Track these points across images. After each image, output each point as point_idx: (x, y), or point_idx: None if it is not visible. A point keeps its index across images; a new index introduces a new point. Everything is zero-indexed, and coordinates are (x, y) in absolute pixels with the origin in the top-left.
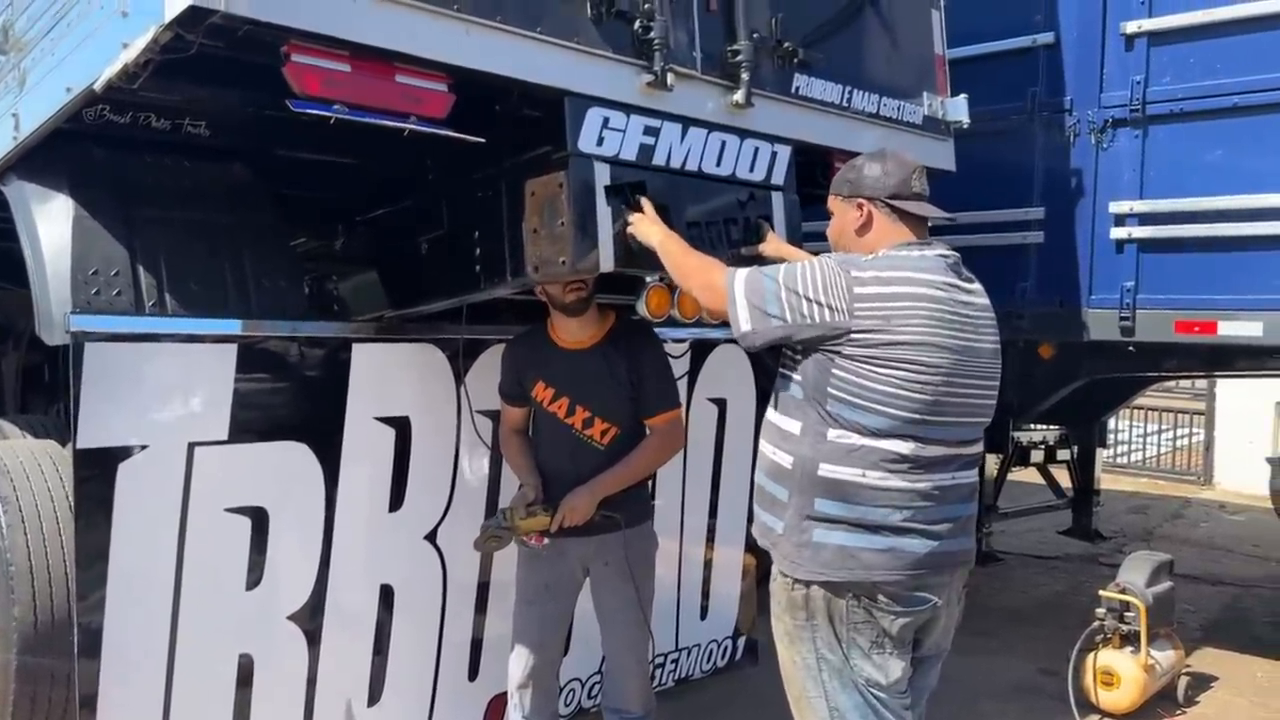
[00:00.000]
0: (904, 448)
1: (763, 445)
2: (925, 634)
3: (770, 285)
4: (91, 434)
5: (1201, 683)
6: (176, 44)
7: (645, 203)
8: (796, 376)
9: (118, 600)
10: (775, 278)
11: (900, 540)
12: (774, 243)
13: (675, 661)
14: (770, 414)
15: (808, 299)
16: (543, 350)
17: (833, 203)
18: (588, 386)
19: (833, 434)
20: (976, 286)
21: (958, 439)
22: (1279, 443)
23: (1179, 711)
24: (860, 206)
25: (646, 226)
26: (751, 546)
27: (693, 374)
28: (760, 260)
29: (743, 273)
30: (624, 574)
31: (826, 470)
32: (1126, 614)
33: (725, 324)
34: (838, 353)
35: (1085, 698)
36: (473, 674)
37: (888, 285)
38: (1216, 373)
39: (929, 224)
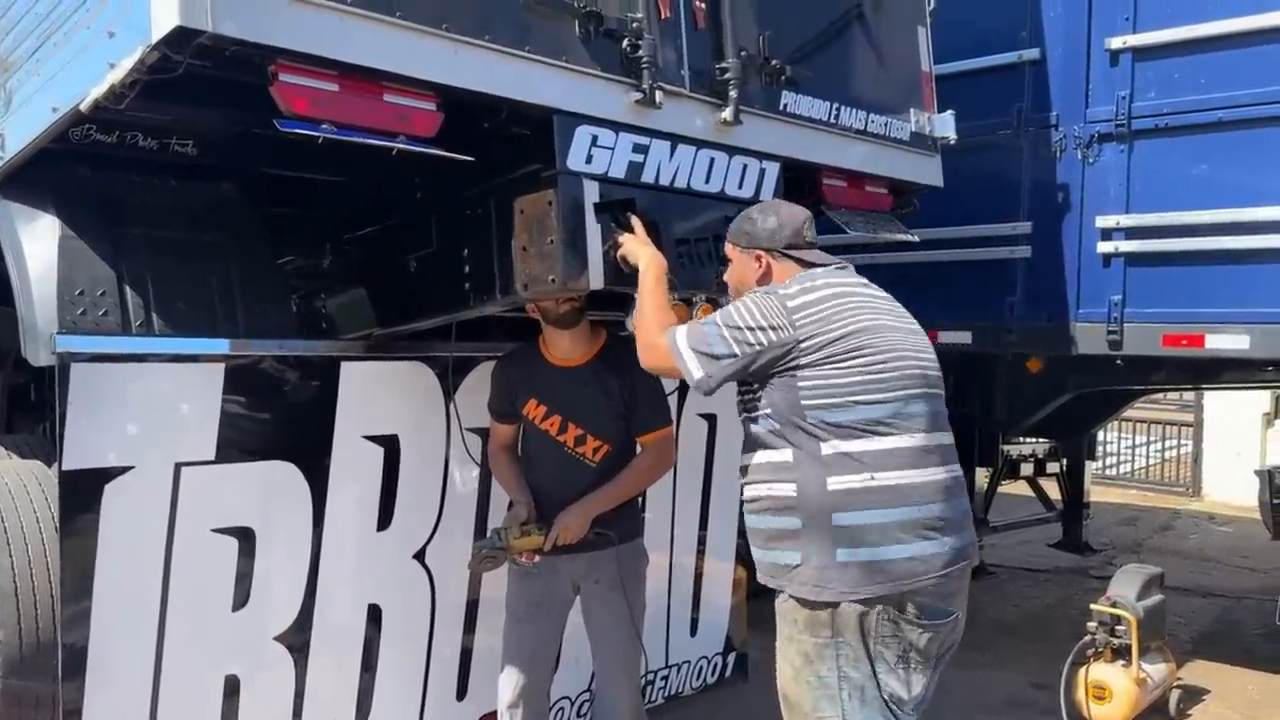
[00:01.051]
0: (890, 443)
1: (753, 489)
2: (948, 647)
3: (711, 329)
4: (77, 455)
5: (1193, 696)
6: (163, 64)
7: (636, 222)
8: (764, 411)
9: (103, 621)
10: (714, 321)
11: (918, 545)
12: None
13: (665, 678)
14: (747, 457)
15: (750, 329)
16: (535, 368)
17: (731, 251)
18: (580, 404)
19: (826, 448)
20: (879, 290)
21: (929, 419)
22: (1266, 454)
23: None
24: (759, 259)
25: (636, 247)
26: (742, 560)
27: (682, 390)
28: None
29: (681, 328)
30: (616, 591)
31: (835, 483)
32: (1118, 627)
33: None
34: (796, 368)
35: (1077, 711)
36: (461, 693)
37: (813, 293)
38: (1204, 385)
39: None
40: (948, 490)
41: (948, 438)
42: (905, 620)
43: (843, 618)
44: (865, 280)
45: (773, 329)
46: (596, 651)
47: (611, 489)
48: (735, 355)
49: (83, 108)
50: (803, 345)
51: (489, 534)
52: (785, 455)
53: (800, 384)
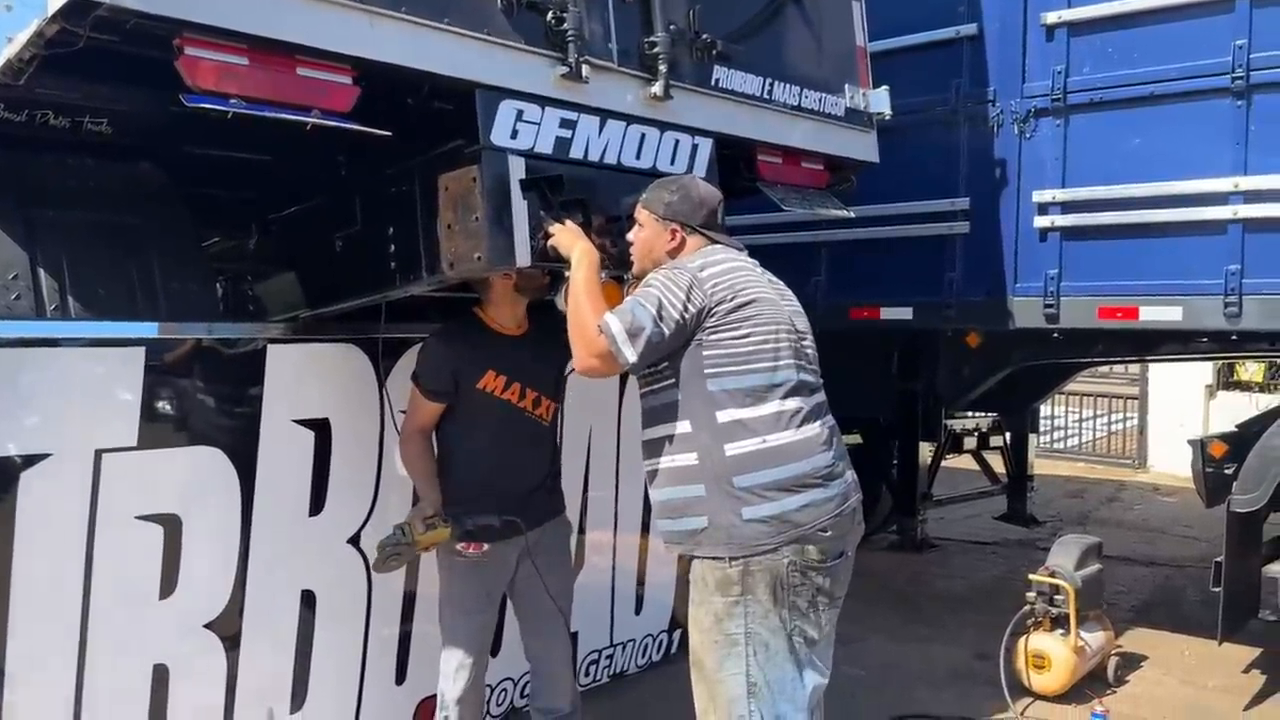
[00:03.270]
0: (788, 404)
1: (656, 463)
2: (839, 585)
3: (637, 310)
4: None
5: (1132, 663)
6: (64, 38)
7: (569, 223)
8: (668, 382)
9: (22, 614)
10: (640, 303)
11: (812, 493)
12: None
13: (610, 657)
14: (649, 432)
15: (673, 305)
16: (486, 340)
17: (644, 217)
18: (533, 368)
19: (721, 415)
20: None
21: (809, 386)
22: (1209, 425)
23: (1109, 691)
24: (674, 232)
25: (568, 239)
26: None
27: None
28: None
29: (610, 318)
30: (549, 568)
31: (732, 449)
32: (1056, 597)
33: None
34: (703, 332)
35: (1018, 681)
36: (400, 677)
37: (719, 264)
38: (1144, 357)
39: None
40: (826, 442)
41: (822, 396)
42: (810, 567)
43: (753, 575)
44: (755, 260)
45: (690, 300)
46: (532, 632)
47: None
48: (663, 333)
49: None
50: (714, 310)
51: (392, 531)
52: (685, 427)
53: (705, 351)
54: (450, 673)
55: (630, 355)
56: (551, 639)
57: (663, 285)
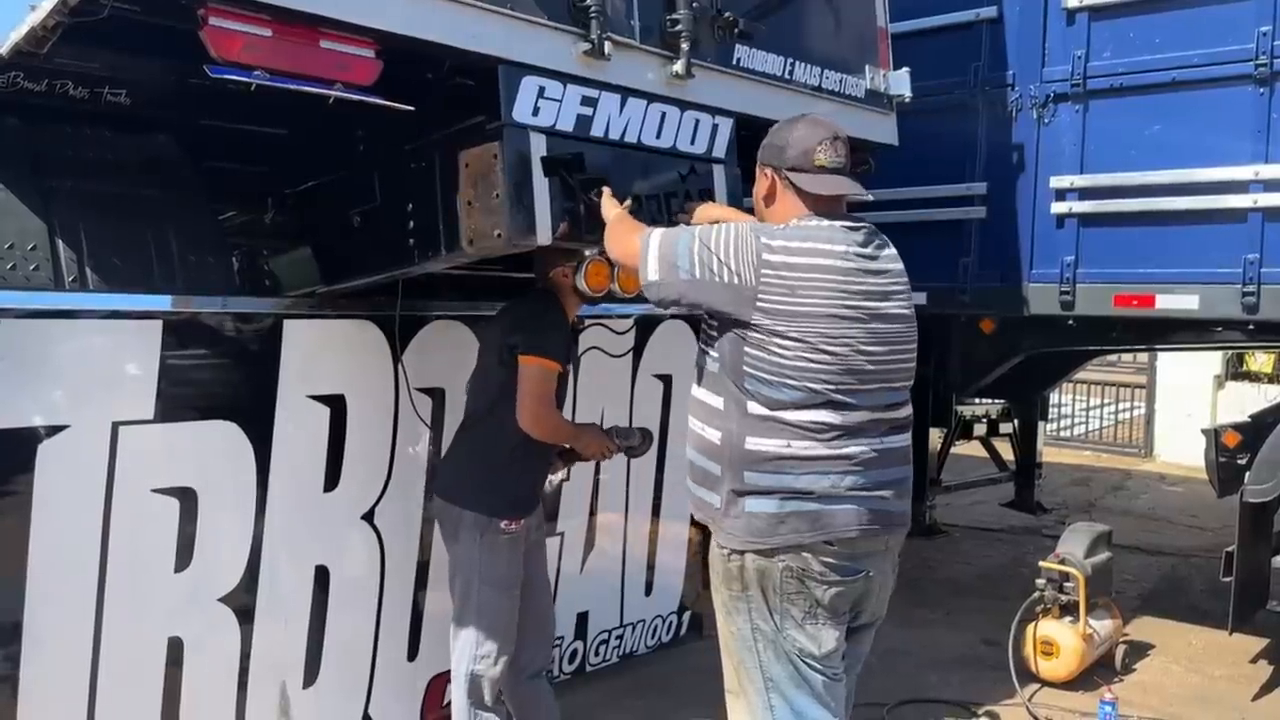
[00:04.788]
0: (826, 417)
1: (692, 422)
2: (863, 604)
3: (685, 238)
4: (9, 414)
5: (1139, 651)
6: (87, 7)
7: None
8: (714, 353)
9: (39, 585)
10: (692, 232)
11: (830, 506)
12: (712, 209)
13: (620, 638)
14: (695, 390)
15: (718, 258)
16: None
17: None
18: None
19: (753, 408)
20: (888, 253)
21: (881, 404)
22: (1217, 415)
23: (1116, 679)
24: (767, 175)
25: (606, 204)
26: (695, 520)
27: (638, 350)
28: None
29: (659, 230)
30: (543, 537)
31: (753, 444)
32: (1065, 584)
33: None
34: (747, 327)
35: (1025, 667)
36: (412, 654)
37: (796, 255)
38: (1156, 346)
39: (844, 200)
40: (879, 459)
41: (899, 414)
42: (810, 578)
43: (749, 573)
44: (872, 249)
45: (735, 273)
46: (531, 601)
47: None
48: (692, 276)
49: (2, 52)
50: (760, 304)
51: (630, 431)
52: (718, 402)
53: (746, 348)
54: (490, 654)
55: (652, 275)
56: (543, 606)
57: (725, 237)
